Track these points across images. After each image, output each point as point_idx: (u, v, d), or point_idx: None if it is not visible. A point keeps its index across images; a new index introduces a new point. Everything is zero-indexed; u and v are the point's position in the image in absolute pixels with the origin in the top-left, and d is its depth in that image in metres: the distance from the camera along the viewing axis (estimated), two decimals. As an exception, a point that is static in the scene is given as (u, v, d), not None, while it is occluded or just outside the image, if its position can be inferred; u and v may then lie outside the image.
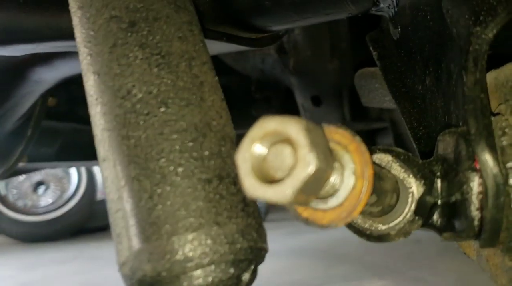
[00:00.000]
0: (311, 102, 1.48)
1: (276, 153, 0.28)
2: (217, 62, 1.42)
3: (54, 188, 3.98)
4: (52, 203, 3.96)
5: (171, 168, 0.35)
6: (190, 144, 0.36)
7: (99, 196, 4.27)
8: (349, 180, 0.30)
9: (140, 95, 0.37)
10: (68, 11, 0.47)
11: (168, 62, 0.38)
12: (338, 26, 1.33)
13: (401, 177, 0.37)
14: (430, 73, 0.48)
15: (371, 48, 0.65)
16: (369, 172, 0.30)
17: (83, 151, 1.38)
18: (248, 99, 1.65)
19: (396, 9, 0.58)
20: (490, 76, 0.41)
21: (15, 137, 1.11)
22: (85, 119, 1.29)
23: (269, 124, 0.28)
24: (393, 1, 0.58)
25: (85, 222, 4.14)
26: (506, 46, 0.54)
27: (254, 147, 0.28)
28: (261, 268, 0.40)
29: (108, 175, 0.38)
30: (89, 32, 0.39)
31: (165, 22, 0.39)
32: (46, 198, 3.97)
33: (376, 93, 0.79)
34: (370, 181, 0.30)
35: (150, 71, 0.37)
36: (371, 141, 1.72)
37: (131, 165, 0.36)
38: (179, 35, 0.40)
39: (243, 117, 1.64)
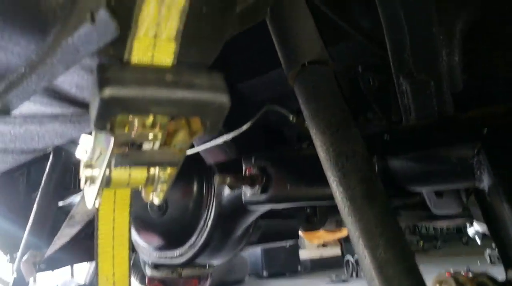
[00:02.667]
0: (434, 195, 2.07)
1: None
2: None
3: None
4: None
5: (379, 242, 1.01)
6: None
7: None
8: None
9: (366, 216, 1.01)
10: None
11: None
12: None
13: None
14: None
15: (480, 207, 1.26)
16: (472, 291, 0.96)
17: (273, 235, 2.03)
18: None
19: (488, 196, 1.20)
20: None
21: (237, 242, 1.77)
22: (276, 215, 1.98)
23: (438, 278, 0.95)
24: (485, 184, 1.19)
25: (224, 276, 4.93)
26: None
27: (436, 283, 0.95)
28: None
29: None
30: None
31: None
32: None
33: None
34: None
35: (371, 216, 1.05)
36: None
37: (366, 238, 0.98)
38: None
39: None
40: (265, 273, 5.55)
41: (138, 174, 0.53)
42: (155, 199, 0.57)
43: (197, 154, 1.31)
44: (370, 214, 0.79)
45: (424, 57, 1.28)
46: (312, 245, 6.40)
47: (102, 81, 0.41)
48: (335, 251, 6.68)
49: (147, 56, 0.44)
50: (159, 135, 0.49)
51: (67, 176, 1.79)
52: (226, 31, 0.62)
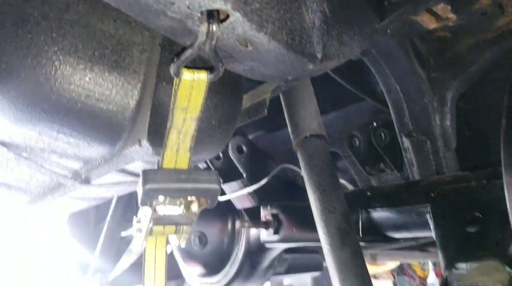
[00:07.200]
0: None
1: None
2: None
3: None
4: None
5: None
6: None
7: None
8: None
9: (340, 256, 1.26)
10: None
11: None
12: None
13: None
14: None
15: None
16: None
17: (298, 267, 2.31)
18: None
19: None
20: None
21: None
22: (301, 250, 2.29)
23: None
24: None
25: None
26: None
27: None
28: None
29: None
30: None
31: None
32: None
33: None
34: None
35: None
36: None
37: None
38: None
39: None
40: (316, 304, 5.74)
41: (169, 228, 0.87)
42: (182, 242, 0.91)
43: (231, 201, 1.66)
44: (342, 255, 1.09)
45: (420, 121, 1.57)
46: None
47: (144, 180, 0.76)
48: (387, 283, 6.72)
49: (172, 163, 0.79)
50: (181, 206, 0.83)
51: (128, 211, 2.19)
52: (232, 130, 0.97)
